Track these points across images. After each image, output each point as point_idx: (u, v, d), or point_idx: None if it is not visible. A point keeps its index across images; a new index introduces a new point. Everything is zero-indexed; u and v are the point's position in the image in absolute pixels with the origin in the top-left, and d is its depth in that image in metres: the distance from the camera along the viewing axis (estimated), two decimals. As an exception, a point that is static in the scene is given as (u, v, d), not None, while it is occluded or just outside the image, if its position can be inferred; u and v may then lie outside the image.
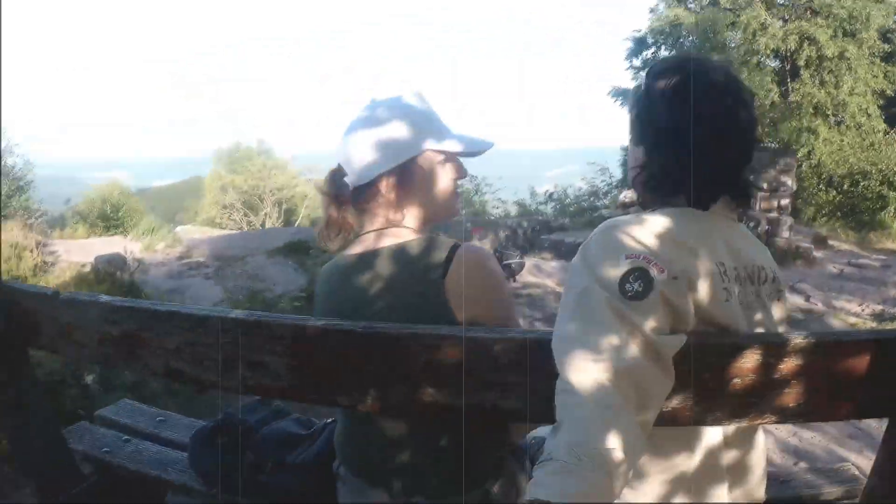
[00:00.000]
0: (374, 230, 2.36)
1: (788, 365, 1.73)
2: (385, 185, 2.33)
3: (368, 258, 2.30)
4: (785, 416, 1.82)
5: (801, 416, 1.84)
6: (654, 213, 1.87)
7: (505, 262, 12.36)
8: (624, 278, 1.66)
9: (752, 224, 14.12)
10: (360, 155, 2.34)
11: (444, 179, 2.40)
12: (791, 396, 1.77)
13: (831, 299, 10.71)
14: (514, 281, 12.21)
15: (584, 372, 1.58)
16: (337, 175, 2.43)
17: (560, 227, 18.43)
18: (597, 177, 27.30)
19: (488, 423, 2.17)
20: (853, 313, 9.86)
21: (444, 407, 1.94)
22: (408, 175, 2.35)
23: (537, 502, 1.50)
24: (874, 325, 9.03)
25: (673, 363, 1.66)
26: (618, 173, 28.12)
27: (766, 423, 1.88)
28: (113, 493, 3.02)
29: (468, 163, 2.46)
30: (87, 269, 11.86)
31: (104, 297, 2.27)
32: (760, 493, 2.12)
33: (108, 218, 23.12)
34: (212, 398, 4.95)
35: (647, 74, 2.07)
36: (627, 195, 16.68)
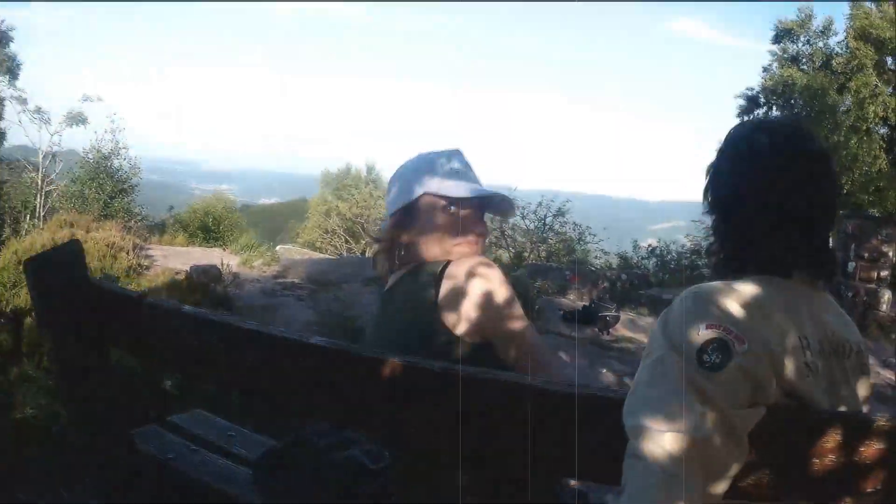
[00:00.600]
0: (404, 266, 2.59)
1: (871, 448, 1.65)
2: (394, 223, 2.64)
3: (387, 292, 2.63)
4: (862, 500, 1.73)
5: (879, 502, 1.73)
6: (739, 280, 1.82)
7: (601, 314, 12.33)
8: (703, 348, 1.61)
9: (850, 294, 13.89)
10: (388, 197, 2.72)
11: (440, 219, 2.58)
12: (871, 481, 1.68)
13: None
14: (608, 334, 12.12)
15: (655, 440, 1.54)
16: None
17: (659, 282, 18.34)
18: (700, 234, 27.08)
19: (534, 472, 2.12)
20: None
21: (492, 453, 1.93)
22: (409, 215, 2.63)
23: None
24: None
25: (749, 438, 1.60)
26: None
27: None
28: (171, 499, 3.02)
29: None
30: (182, 276, 12.02)
31: (187, 308, 2.28)
32: None
33: (209, 230, 23.49)
34: (287, 420, 4.96)
35: (726, 141, 2.04)
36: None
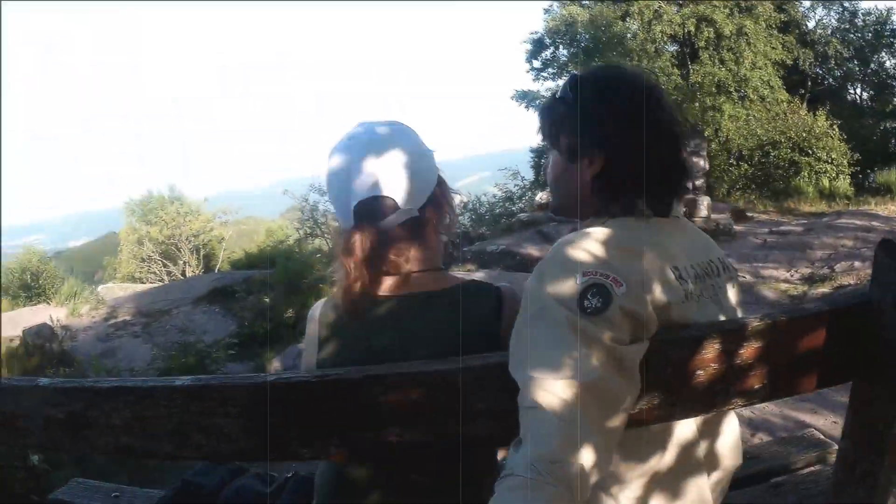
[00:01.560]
0: (418, 271, 2.18)
1: (748, 349, 1.75)
2: (429, 215, 2.21)
3: (413, 301, 2.16)
4: (751, 398, 1.84)
5: (766, 396, 1.86)
6: (601, 226, 1.88)
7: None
8: (582, 295, 1.66)
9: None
10: (408, 181, 2.16)
11: (452, 215, 2.34)
12: (755, 379, 1.79)
13: (759, 269, 10.89)
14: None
15: (547, 389, 1.58)
16: (375, 205, 2.14)
17: (479, 236, 18.49)
18: (509, 181, 27.40)
19: (463, 454, 2.12)
20: (783, 280, 10.06)
21: (414, 444, 1.91)
22: (439, 204, 2.26)
23: None
24: (805, 288, 9.22)
25: (639, 368, 1.67)
26: (529, 175, 28.24)
27: (733, 408, 1.92)
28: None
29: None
30: (17, 342, 11.69)
31: (44, 381, 2.19)
32: (738, 460, 2.16)
33: (30, 287, 22.80)
34: (160, 465, 4.87)
35: (576, 87, 2.07)
36: (543, 196, 16.81)
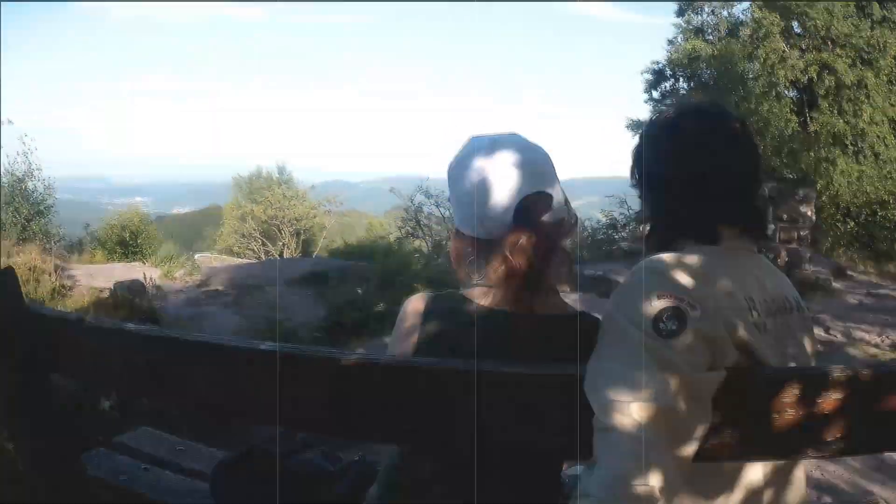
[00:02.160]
0: (543, 289, 2.04)
1: (828, 399, 1.69)
2: (565, 224, 2.11)
3: (539, 324, 2.03)
4: (824, 450, 1.79)
5: (840, 451, 1.81)
6: (682, 252, 1.88)
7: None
8: (658, 317, 1.65)
9: (771, 256, 14.13)
10: (555, 176, 2.10)
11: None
12: (831, 431, 1.73)
13: (851, 330, 10.66)
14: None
15: (621, 412, 1.57)
16: (539, 202, 2.04)
17: (579, 259, 18.42)
18: (615, 209, 27.17)
19: (529, 461, 2.11)
20: (873, 344, 9.80)
21: (485, 445, 1.87)
22: (571, 214, 2.15)
23: None
24: (894, 355, 8.96)
25: (712, 400, 1.65)
26: (636, 205, 27.99)
27: (805, 458, 1.88)
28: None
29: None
30: (106, 294, 11.87)
31: (130, 325, 2.22)
32: None
33: (127, 244, 23.16)
34: (230, 430, 4.89)
35: (648, 129, 2.12)
36: (646, 230, 16.74)
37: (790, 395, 1.68)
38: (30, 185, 22.34)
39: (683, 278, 1.74)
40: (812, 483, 5.37)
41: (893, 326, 10.79)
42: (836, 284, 14.57)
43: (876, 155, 23.55)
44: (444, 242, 23.26)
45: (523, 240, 1.97)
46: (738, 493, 1.92)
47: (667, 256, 1.83)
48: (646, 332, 1.64)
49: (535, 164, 2.06)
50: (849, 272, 16.64)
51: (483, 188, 2.02)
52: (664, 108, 2.20)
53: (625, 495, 1.51)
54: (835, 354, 9.17)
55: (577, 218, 2.19)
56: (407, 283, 12.01)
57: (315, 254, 31.68)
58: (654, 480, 1.52)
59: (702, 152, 1.97)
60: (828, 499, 5.13)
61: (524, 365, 1.83)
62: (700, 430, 1.65)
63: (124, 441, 3.33)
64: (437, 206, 25.69)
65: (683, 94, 27.85)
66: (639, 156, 2.12)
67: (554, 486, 2.30)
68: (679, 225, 2.01)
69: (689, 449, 1.63)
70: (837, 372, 1.68)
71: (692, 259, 1.82)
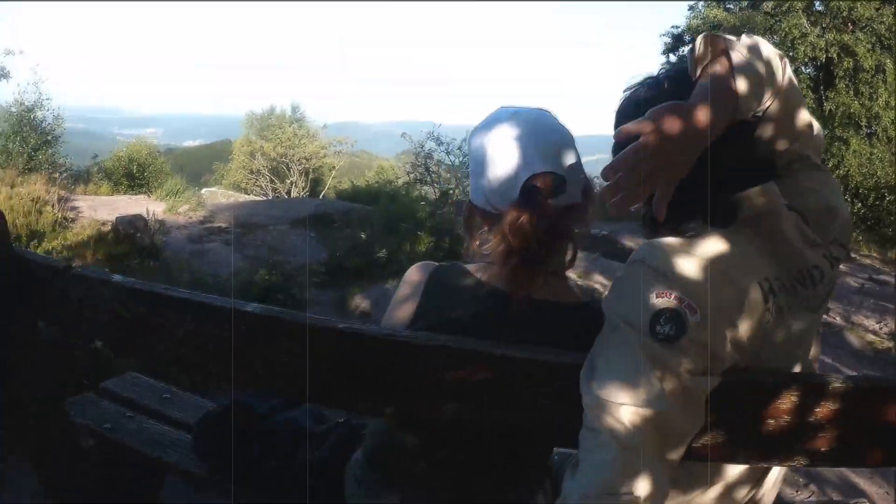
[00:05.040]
0: (543, 273, 1.96)
1: (824, 409, 1.67)
2: (591, 196, 2.06)
3: (545, 310, 1.98)
4: (815, 459, 1.76)
5: (831, 460, 1.79)
6: (684, 238, 1.75)
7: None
8: (654, 320, 1.57)
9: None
10: (575, 162, 1.99)
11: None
12: (824, 441, 1.71)
13: (850, 314, 10.61)
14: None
15: (612, 414, 1.53)
16: (548, 183, 1.95)
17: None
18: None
19: (515, 444, 2.10)
20: (871, 330, 9.74)
21: (468, 424, 1.88)
22: (589, 196, 2.08)
23: None
24: (891, 345, 8.92)
25: (705, 401, 1.60)
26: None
27: (795, 465, 1.83)
28: (112, 470, 2.96)
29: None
30: (108, 228, 11.88)
31: (117, 277, 2.19)
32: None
33: (134, 177, 23.12)
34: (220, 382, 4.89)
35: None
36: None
37: (787, 401, 1.66)
38: (39, 114, 22.30)
39: (685, 272, 1.63)
40: (799, 468, 5.34)
41: (893, 314, 10.75)
42: (840, 266, 14.47)
43: (889, 139, 23.38)
44: (451, 191, 23.15)
45: (524, 219, 1.89)
46: (716, 489, 1.92)
47: (668, 243, 1.71)
48: (642, 333, 1.57)
49: (550, 143, 1.97)
50: (852, 255, 16.56)
51: (492, 160, 1.98)
52: (635, 86, 2.03)
53: None
54: (832, 338, 9.11)
55: (595, 205, 2.11)
56: (411, 231, 11.97)
57: (322, 194, 31.59)
58: (641, 490, 1.49)
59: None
60: (815, 487, 5.12)
61: (516, 348, 1.79)
62: (691, 434, 1.61)
63: (110, 387, 3.32)
64: (447, 153, 25.61)
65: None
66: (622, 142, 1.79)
67: (540, 469, 2.30)
68: (683, 208, 1.79)
69: (678, 452, 1.60)
70: (837, 383, 1.67)
71: (698, 246, 1.70)
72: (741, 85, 1.64)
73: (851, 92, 23.35)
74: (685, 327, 1.56)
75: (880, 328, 9.89)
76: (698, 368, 1.58)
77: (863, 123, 23.16)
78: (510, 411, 1.82)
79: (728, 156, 1.72)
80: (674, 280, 1.61)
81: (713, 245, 1.71)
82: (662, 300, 1.58)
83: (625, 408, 1.52)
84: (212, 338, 2.03)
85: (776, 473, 2.07)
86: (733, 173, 1.78)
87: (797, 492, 4.93)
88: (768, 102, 1.76)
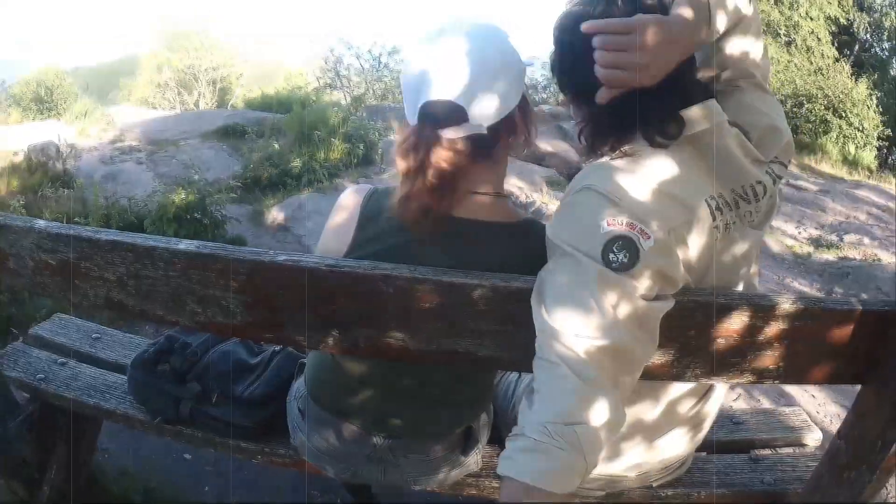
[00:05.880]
0: (480, 192, 1.98)
1: (773, 328, 1.73)
2: (501, 136, 1.96)
3: (478, 229, 1.96)
4: (762, 377, 1.83)
5: (777, 377, 1.84)
6: (627, 158, 1.73)
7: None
8: (607, 248, 1.56)
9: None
10: (485, 95, 1.88)
11: (533, 127, 2.06)
12: (771, 359, 1.78)
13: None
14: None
15: (567, 345, 1.53)
16: (443, 110, 1.88)
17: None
18: (536, 71, 26.86)
19: (463, 369, 2.13)
20: (790, 235, 9.89)
21: (414, 351, 1.88)
22: (513, 126, 1.99)
23: (506, 479, 1.46)
24: (810, 249, 9.09)
25: (659, 323, 1.61)
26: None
27: (742, 382, 1.88)
28: (51, 421, 2.92)
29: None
30: (20, 157, 11.63)
31: (40, 223, 2.11)
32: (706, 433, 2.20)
33: (43, 101, 22.57)
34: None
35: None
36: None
37: (737, 321, 1.72)
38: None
39: (635, 195, 1.62)
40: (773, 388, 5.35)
41: (811, 219, 10.91)
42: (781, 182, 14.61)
43: (807, 49, 23.54)
44: (362, 95, 22.97)
45: (409, 143, 1.90)
46: (662, 405, 1.97)
47: (614, 166, 1.70)
48: (595, 262, 1.56)
49: (463, 69, 1.85)
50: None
51: (407, 79, 1.95)
52: (581, 1, 1.93)
53: (564, 437, 1.47)
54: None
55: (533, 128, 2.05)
56: (325, 138, 11.84)
57: (231, 104, 31.03)
58: (600, 418, 1.49)
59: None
60: (747, 398, 5.16)
61: (461, 272, 1.81)
62: (646, 358, 1.63)
63: (40, 333, 3.25)
64: (357, 57, 25.50)
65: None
66: (564, 57, 1.87)
67: (486, 392, 2.36)
68: (621, 122, 1.78)
69: (634, 375, 1.61)
70: (786, 303, 1.72)
71: (643, 166, 1.69)
72: (716, 7, 1.71)
73: (772, 1, 23.47)
74: (638, 254, 1.55)
75: (799, 233, 10.04)
76: (652, 294, 1.59)
77: (781, 32, 23.28)
78: (455, 337, 1.83)
79: (674, 74, 1.71)
80: (624, 205, 1.60)
81: (659, 165, 1.71)
82: (614, 227, 1.57)
83: (581, 339, 1.51)
84: (146, 280, 1.98)
85: (721, 389, 2.12)
86: (677, 91, 1.75)
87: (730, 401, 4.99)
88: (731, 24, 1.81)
